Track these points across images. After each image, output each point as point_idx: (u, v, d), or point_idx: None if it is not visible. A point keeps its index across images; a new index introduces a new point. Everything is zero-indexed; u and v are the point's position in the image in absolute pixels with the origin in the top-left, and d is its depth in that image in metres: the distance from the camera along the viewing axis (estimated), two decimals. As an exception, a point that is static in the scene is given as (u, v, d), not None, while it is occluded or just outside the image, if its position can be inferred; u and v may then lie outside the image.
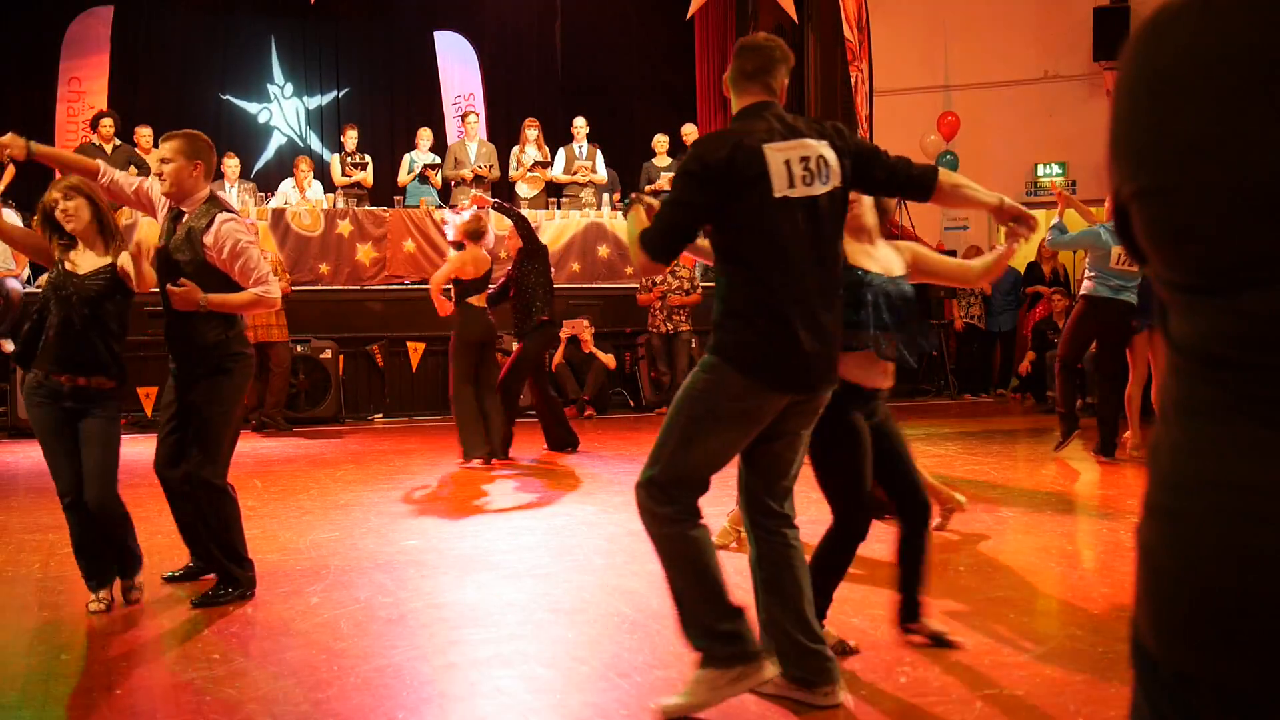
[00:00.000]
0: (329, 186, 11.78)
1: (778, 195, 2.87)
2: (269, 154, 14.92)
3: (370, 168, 11.80)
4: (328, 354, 9.94)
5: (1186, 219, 0.96)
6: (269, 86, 15.04)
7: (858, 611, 3.94)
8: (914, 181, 3.15)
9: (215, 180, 10.92)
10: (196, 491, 4.17)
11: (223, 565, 4.22)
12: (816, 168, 2.92)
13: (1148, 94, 1.00)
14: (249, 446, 8.60)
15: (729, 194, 2.88)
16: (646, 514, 2.99)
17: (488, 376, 7.45)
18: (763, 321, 2.91)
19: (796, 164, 2.89)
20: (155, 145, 11.16)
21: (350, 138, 11.75)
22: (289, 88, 15.17)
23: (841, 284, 3.11)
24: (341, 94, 15.19)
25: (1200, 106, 0.95)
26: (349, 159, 11.70)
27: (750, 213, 2.89)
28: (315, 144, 14.91)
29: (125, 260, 4.04)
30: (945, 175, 3.19)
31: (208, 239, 4.09)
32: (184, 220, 4.19)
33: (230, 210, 4.25)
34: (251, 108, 14.97)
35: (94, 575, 4.15)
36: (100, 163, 4.38)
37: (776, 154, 2.88)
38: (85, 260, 4.12)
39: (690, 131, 12.58)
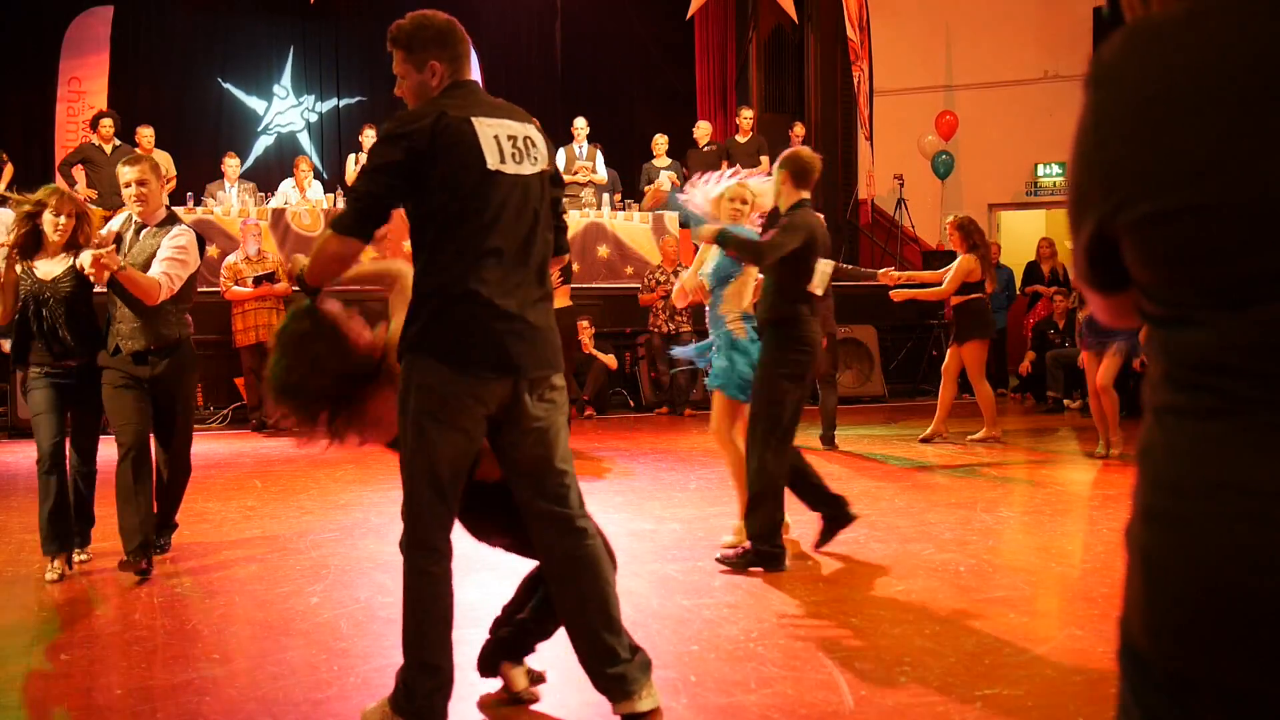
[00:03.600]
0: (330, 187, 11.76)
1: (491, 168, 2.73)
2: (259, 151, 14.85)
3: None
4: (327, 354, 9.91)
5: (1206, 240, 0.94)
6: (270, 86, 15.03)
7: (857, 612, 3.94)
8: (559, 233, 3.05)
9: (215, 181, 11.01)
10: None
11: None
12: (524, 147, 2.82)
13: (1142, 115, 0.98)
14: (249, 446, 8.61)
15: (433, 161, 2.69)
16: None
17: None
18: (460, 300, 2.72)
19: (505, 140, 2.78)
20: (156, 146, 11.21)
21: (368, 137, 11.73)
22: (289, 88, 15.16)
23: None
24: (342, 103, 15.18)
25: (1209, 123, 0.93)
26: None
27: (459, 183, 2.71)
28: (307, 144, 14.86)
29: (85, 259, 4.38)
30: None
31: (167, 239, 4.53)
32: (146, 232, 4.57)
33: (187, 226, 4.71)
34: (251, 106, 14.96)
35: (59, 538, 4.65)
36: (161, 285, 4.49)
37: (486, 127, 2.75)
38: (53, 265, 4.58)
39: (698, 129, 12.45)
